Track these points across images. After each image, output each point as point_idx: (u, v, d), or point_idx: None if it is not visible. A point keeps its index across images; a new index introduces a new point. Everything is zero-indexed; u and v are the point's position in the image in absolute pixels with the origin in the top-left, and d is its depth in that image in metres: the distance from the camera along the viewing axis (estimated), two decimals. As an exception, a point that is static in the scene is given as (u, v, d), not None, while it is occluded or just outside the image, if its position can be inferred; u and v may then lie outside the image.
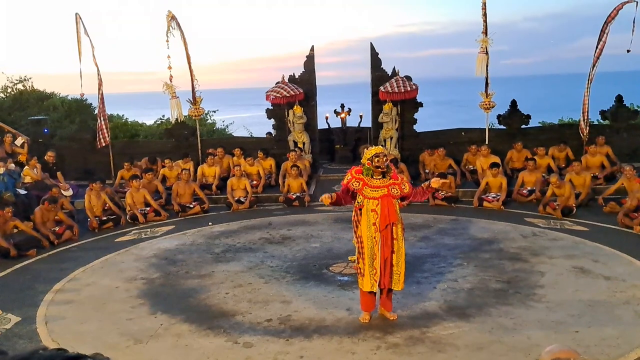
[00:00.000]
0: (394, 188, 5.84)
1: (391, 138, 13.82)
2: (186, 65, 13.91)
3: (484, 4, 12.46)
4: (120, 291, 7.26)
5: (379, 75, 14.20)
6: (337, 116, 16.04)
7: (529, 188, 11.39)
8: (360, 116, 15.91)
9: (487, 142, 12.95)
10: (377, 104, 14.09)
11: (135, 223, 10.69)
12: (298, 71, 14.45)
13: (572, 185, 10.62)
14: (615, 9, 11.99)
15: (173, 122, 14.77)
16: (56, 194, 10.64)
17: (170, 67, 13.52)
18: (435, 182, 6.00)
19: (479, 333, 5.74)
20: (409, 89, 13.59)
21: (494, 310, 6.27)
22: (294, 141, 14.06)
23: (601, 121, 15.39)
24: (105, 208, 10.83)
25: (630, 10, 11.87)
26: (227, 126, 22.45)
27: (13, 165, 11.70)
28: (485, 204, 11.06)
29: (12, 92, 21.08)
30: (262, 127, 17.79)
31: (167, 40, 13.34)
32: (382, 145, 13.17)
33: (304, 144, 14.07)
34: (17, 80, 21.36)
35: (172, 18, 13.32)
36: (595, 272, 7.34)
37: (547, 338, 5.45)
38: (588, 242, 8.60)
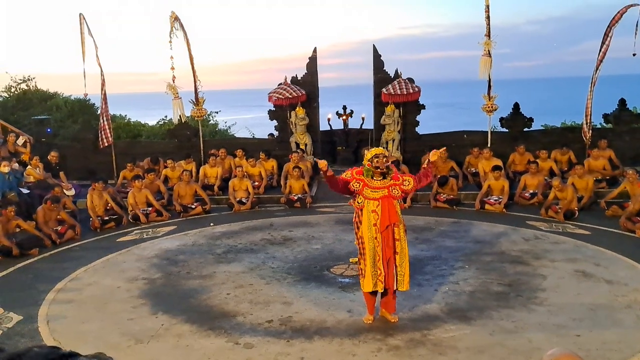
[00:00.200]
0: (394, 189, 5.84)
1: (393, 140, 13.82)
2: (189, 66, 13.94)
3: (487, 6, 12.45)
4: (121, 291, 7.26)
5: (381, 77, 14.20)
6: (339, 118, 16.03)
7: (531, 191, 11.38)
8: (363, 118, 15.90)
9: (489, 145, 12.94)
10: (379, 106, 14.09)
11: (137, 223, 10.70)
12: (300, 73, 14.47)
13: (575, 189, 10.61)
14: (619, 12, 11.98)
15: (175, 122, 14.80)
16: (59, 194, 10.67)
17: (173, 68, 13.54)
18: (433, 155, 5.99)
19: (480, 336, 5.73)
20: (411, 91, 13.59)
21: (495, 313, 6.26)
22: (296, 142, 14.07)
23: (604, 124, 15.38)
24: (108, 208, 10.85)
25: (634, 14, 11.87)
26: (229, 127, 22.48)
27: (17, 164, 11.73)
28: (487, 206, 11.05)
29: (16, 92, 21.13)
30: (264, 128, 17.79)
31: (170, 41, 13.37)
32: (384, 147, 13.20)
33: (306, 145, 14.08)
34: (20, 80, 21.43)
35: (176, 19, 13.34)
36: (597, 275, 7.33)
37: (549, 341, 5.44)
38: (590, 246, 8.59)
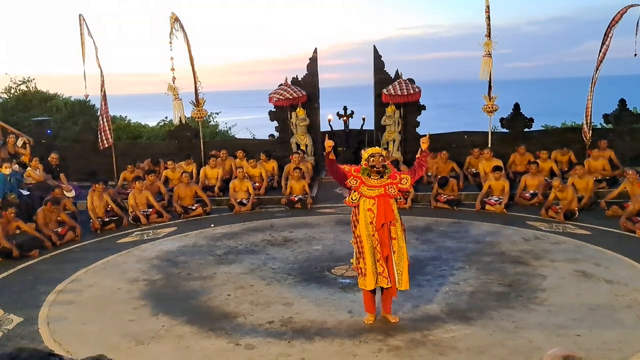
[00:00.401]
0: (391, 188, 5.85)
1: (394, 141, 13.84)
2: (189, 66, 13.94)
3: (488, 7, 12.46)
4: (122, 292, 7.27)
5: (382, 77, 14.21)
6: (339, 119, 16.03)
7: (531, 191, 11.38)
8: (363, 119, 15.90)
9: (489, 146, 12.94)
10: (380, 107, 14.10)
11: (138, 224, 10.71)
12: (301, 73, 14.48)
13: (575, 189, 10.61)
14: (619, 12, 11.98)
15: (176, 123, 14.81)
16: (59, 195, 10.67)
17: (173, 69, 13.55)
18: (424, 143, 5.98)
19: (481, 336, 5.73)
20: (412, 91, 13.61)
21: (496, 313, 6.26)
22: (296, 143, 14.08)
23: (604, 125, 15.39)
24: (108, 209, 10.85)
25: (635, 14, 11.88)
26: (229, 128, 22.49)
27: (17, 166, 11.73)
28: (487, 207, 11.05)
29: (16, 93, 21.15)
30: (265, 129, 17.80)
31: (171, 42, 13.38)
32: (385, 148, 13.21)
33: (306, 146, 14.10)
34: (20, 81, 21.45)
35: (176, 20, 13.35)
36: (597, 275, 7.33)
37: (549, 341, 5.44)
38: (590, 246, 8.59)
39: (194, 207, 11.38)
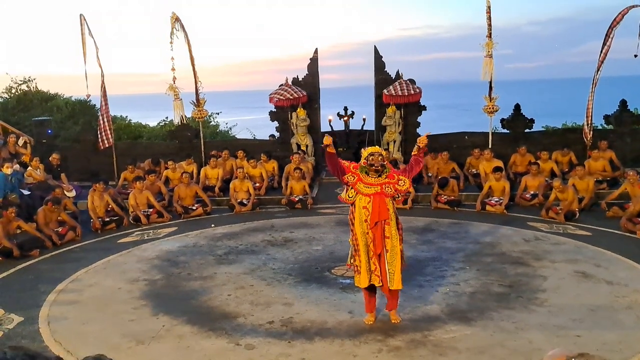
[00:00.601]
0: (387, 187, 5.85)
1: (394, 141, 13.85)
2: (189, 66, 13.96)
3: (489, 7, 12.46)
4: (122, 292, 7.27)
5: (382, 78, 14.22)
6: (340, 119, 16.04)
7: (532, 192, 11.38)
8: (364, 119, 15.91)
9: (490, 146, 12.95)
10: (380, 107, 14.11)
11: (138, 224, 10.71)
12: (301, 74, 14.48)
13: (575, 190, 10.61)
14: (620, 13, 11.98)
15: (176, 124, 14.82)
16: (59, 195, 10.67)
17: (173, 69, 13.56)
18: (421, 141, 5.96)
19: (481, 337, 5.73)
20: (412, 92, 13.61)
21: (496, 314, 6.27)
22: (297, 144, 14.09)
23: (605, 126, 15.39)
24: (108, 209, 10.86)
25: (636, 15, 11.87)
26: (230, 128, 22.50)
27: (17, 165, 11.74)
28: (488, 207, 11.05)
29: (16, 93, 21.15)
30: (265, 129, 17.81)
31: (171, 42, 13.39)
32: (385, 149, 13.21)
33: (307, 146, 14.10)
34: (21, 81, 21.44)
35: (176, 20, 13.36)
36: (597, 276, 7.33)
37: (549, 342, 5.45)
38: (590, 247, 8.59)
39: (194, 207, 11.38)
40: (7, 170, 10.88)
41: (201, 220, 10.98)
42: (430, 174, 12.93)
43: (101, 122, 13.92)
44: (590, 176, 11.36)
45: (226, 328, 6.08)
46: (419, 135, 13.85)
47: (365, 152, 5.99)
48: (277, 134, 15.04)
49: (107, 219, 10.61)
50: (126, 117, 22.14)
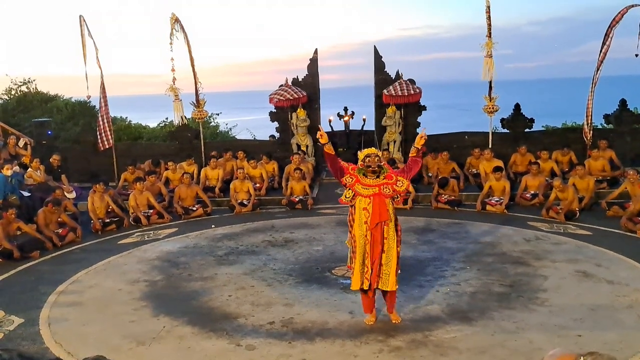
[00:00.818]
0: (386, 187, 5.86)
1: (394, 141, 13.84)
2: (189, 67, 13.95)
3: (488, 7, 12.45)
4: (123, 293, 7.27)
5: (382, 78, 14.21)
6: (340, 119, 16.05)
7: (532, 192, 11.37)
8: (364, 119, 15.92)
9: (490, 146, 12.94)
10: (380, 107, 14.10)
11: (138, 225, 10.71)
12: (301, 74, 14.47)
13: (576, 189, 10.61)
14: (620, 12, 11.98)
15: (176, 124, 14.82)
16: (60, 196, 10.67)
17: (173, 70, 13.56)
18: (418, 141, 5.96)
19: (482, 337, 5.73)
20: (412, 92, 13.60)
21: (497, 314, 6.26)
22: (297, 144, 14.08)
23: (605, 125, 15.38)
24: (109, 210, 10.86)
25: (636, 14, 11.86)
26: (230, 129, 22.49)
27: (17, 167, 11.74)
28: (488, 207, 11.05)
29: (16, 94, 21.14)
30: (266, 130, 17.81)
31: (171, 43, 13.39)
32: (385, 149, 13.22)
33: (307, 146, 14.10)
34: (20, 82, 21.43)
35: (176, 20, 13.36)
36: (598, 276, 7.33)
37: (550, 342, 5.44)
38: (591, 246, 8.59)
39: (194, 208, 11.38)
40: (7, 171, 10.88)
41: (201, 221, 10.97)
42: (430, 174, 12.93)
43: (100, 123, 13.91)
44: (590, 176, 11.36)
45: (227, 329, 6.08)
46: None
47: (361, 154, 6.00)
48: (277, 135, 15.04)
49: (108, 220, 10.61)
50: (126, 118, 22.14)
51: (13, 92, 21.23)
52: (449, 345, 5.55)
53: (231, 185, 11.85)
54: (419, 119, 14.23)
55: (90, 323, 6.37)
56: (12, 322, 6.41)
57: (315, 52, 14.53)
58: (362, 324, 6.09)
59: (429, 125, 14.18)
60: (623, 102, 14.14)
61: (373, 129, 15.02)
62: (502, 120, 14.27)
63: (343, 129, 16.09)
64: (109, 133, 13.96)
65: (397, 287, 6.04)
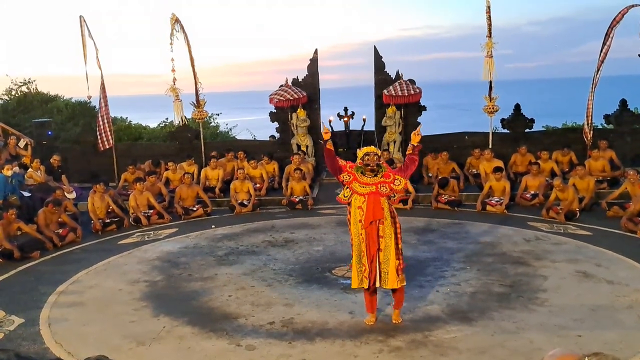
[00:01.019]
0: (382, 186, 5.86)
1: (394, 141, 13.83)
2: (189, 67, 13.96)
3: (489, 7, 12.45)
4: (123, 293, 7.27)
5: (382, 78, 14.21)
6: (340, 119, 16.05)
7: (532, 192, 11.37)
8: (364, 119, 15.92)
9: (490, 146, 12.94)
10: (380, 108, 14.10)
11: (139, 226, 10.72)
12: (301, 74, 14.47)
13: (576, 190, 10.61)
14: (620, 12, 11.98)
15: (176, 124, 14.82)
16: (60, 196, 10.68)
17: (174, 70, 13.57)
18: (414, 139, 5.99)
19: (482, 337, 5.73)
20: (412, 92, 13.60)
21: (497, 314, 6.26)
22: (297, 144, 14.08)
23: (605, 125, 15.38)
24: (109, 210, 10.86)
25: (636, 14, 11.86)
26: (230, 129, 22.49)
27: (18, 167, 11.74)
28: (488, 207, 11.05)
29: (16, 95, 21.15)
30: (266, 130, 17.81)
31: (171, 43, 13.40)
32: (385, 149, 13.22)
33: (307, 147, 14.10)
34: (21, 82, 21.44)
35: (176, 21, 13.37)
36: (598, 276, 7.33)
37: (550, 342, 5.44)
38: (591, 247, 8.59)
39: (194, 208, 11.38)
40: (8, 172, 10.89)
41: (202, 221, 10.98)
42: (430, 174, 12.94)
43: (100, 123, 13.91)
44: (590, 176, 11.36)
45: (227, 329, 6.08)
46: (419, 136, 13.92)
47: (360, 152, 6.01)
48: (277, 135, 15.04)
49: (108, 220, 10.62)
50: (126, 118, 22.14)
51: (13, 93, 21.24)
52: (449, 346, 5.55)
53: (231, 186, 11.86)
54: (419, 119, 14.20)
55: (90, 323, 6.37)
56: (13, 322, 6.42)
57: (316, 52, 14.53)
58: (362, 324, 6.09)
59: (429, 125, 14.20)
60: (623, 102, 14.13)
61: (373, 129, 15.02)
62: (502, 120, 14.27)
63: (343, 129, 16.09)
64: (109, 133, 13.97)
65: (402, 284, 5.99)
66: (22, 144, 13.55)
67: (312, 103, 14.24)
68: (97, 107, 14.46)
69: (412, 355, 5.39)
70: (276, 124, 14.69)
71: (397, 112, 13.70)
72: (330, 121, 16.02)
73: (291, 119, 14.11)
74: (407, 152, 6.16)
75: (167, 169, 13.15)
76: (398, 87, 13.66)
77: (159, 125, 21.69)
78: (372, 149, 6.02)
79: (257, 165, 12.97)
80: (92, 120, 18.11)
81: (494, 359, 5.28)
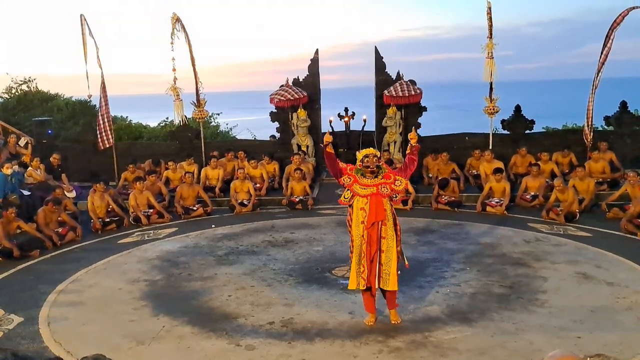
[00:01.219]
0: (384, 187, 5.88)
1: (395, 142, 13.84)
2: (190, 67, 13.96)
3: (489, 8, 12.46)
4: (123, 293, 7.27)
5: (383, 79, 14.21)
6: (340, 120, 16.04)
7: (532, 193, 11.37)
8: (364, 120, 15.91)
9: (490, 147, 12.95)
10: (381, 108, 14.10)
11: (139, 225, 10.71)
12: (302, 74, 14.48)
13: (576, 191, 10.61)
14: (620, 14, 11.99)
15: (177, 124, 14.82)
16: (60, 195, 10.67)
17: (174, 70, 13.57)
18: (412, 139, 6.02)
19: (481, 338, 5.73)
20: (413, 93, 13.60)
21: (496, 315, 6.26)
22: (297, 144, 14.09)
23: (605, 127, 15.39)
24: (109, 210, 10.86)
25: (636, 16, 11.86)
26: (230, 129, 22.49)
27: (17, 166, 11.74)
28: (488, 208, 11.04)
29: (17, 93, 21.16)
30: (266, 130, 17.81)
31: (172, 43, 13.39)
32: (385, 150, 13.23)
33: (307, 147, 14.10)
34: (21, 81, 21.46)
35: (177, 20, 13.36)
36: (598, 278, 7.33)
37: (549, 343, 5.44)
38: (591, 248, 8.59)
39: (194, 208, 11.38)
40: (7, 170, 10.88)
41: (202, 221, 10.97)
42: (430, 175, 12.94)
43: (101, 122, 13.91)
44: (590, 177, 11.36)
45: (227, 329, 6.08)
46: (419, 136, 13.94)
47: (360, 154, 6.03)
48: (277, 135, 15.04)
49: (108, 220, 10.61)
50: (126, 117, 22.15)
51: (13, 91, 21.25)
52: (449, 346, 5.55)
53: (231, 185, 11.85)
54: (420, 120, 14.22)
55: (89, 322, 6.37)
56: (12, 321, 6.41)
57: (316, 52, 14.53)
58: (362, 324, 6.09)
59: (429, 126, 14.22)
60: (623, 104, 14.14)
61: (373, 129, 15.02)
62: (503, 121, 14.27)
63: (343, 129, 16.08)
64: (109, 132, 13.97)
65: (398, 287, 6.04)
66: (22, 142, 13.55)
67: (312, 103, 14.25)
68: (98, 106, 14.46)
69: (412, 356, 5.39)
70: (276, 124, 14.69)
71: (397, 113, 13.71)
72: (330, 121, 16.02)
73: (291, 119, 14.11)
74: (407, 152, 6.19)
75: (167, 169, 13.15)
76: (399, 87, 13.67)
77: (159, 124, 21.70)
78: (371, 150, 6.04)
79: (258, 165, 12.97)
80: (92, 119, 18.10)
81: (493, 360, 5.29)
